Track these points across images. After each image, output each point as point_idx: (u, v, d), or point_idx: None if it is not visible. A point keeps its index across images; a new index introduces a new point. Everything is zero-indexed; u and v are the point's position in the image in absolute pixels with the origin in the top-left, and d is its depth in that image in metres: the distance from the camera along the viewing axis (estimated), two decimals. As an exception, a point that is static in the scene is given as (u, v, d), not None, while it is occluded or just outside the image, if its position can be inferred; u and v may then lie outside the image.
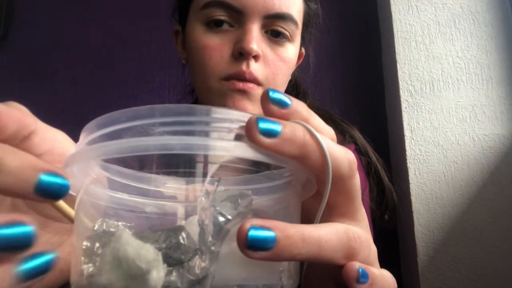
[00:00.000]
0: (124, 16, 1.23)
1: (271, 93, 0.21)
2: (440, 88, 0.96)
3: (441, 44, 0.98)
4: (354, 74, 1.14)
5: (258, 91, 0.53)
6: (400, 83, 0.97)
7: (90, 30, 1.23)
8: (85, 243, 0.20)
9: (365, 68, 1.14)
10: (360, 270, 0.21)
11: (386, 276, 0.23)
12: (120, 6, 1.24)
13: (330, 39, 1.10)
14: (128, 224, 0.23)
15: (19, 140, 0.21)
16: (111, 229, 0.21)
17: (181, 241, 0.20)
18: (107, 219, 0.22)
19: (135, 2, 1.24)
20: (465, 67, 0.96)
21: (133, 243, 0.18)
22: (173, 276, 0.19)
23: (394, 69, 1.00)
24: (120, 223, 0.22)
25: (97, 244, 0.20)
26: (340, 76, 1.14)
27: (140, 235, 0.20)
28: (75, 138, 0.24)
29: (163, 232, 0.20)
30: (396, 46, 0.99)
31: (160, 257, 0.18)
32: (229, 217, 0.20)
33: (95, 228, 0.21)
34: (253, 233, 0.18)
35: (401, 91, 0.97)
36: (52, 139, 0.23)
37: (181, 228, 0.20)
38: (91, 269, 0.20)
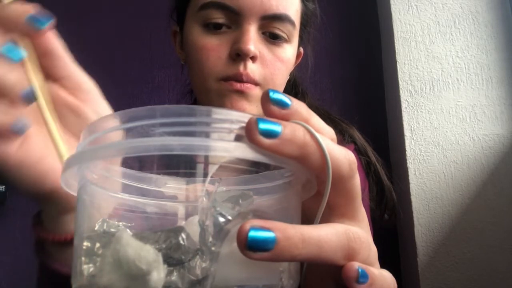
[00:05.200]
0: (124, 16, 1.23)
1: (271, 94, 0.21)
2: (440, 88, 0.96)
3: (441, 44, 0.98)
4: (354, 74, 1.14)
5: (255, 91, 0.53)
6: (400, 83, 0.97)
7: (90, 30, 1.23)
8: (85, 243, 0.20)
9: (365, 68, 1.14)
10: (360, 270, 0.21)
11: (386, 276, 0.23)
12: (120, 6, 1.24)
13: (330, 39, 1.10)
14: (129, 224, 0.23)
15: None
16: (112, 230, 0.21)
17: (181, 241, 0.20)
18: (107, 219, 0.22)
19: (135, 2, 1.24)
20: (465, 67, 0.96)
21: (133, 244, 0.18)
22: (174, 276, 0.19)
23: (394, 69, 1.00)
24: (120, 223, 0.22)
25: (98, 245, 0.20)
26: (340, 76, 1.14)
27: (140, 236, 0.20)
28: (76, 139, 0.24)
29: (163, 232, 0.20)
30: (396, 46, 0.99)
31: (160, 258, 0.19)
32: (229, 217, 0.20)
33: (95, 229, 0.21)
34: (253, 234, 0.18)
35: (401, 91, 0.97)
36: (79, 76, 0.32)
37: (181, 229, 0.20)
38: (91, 269, 0.20)
